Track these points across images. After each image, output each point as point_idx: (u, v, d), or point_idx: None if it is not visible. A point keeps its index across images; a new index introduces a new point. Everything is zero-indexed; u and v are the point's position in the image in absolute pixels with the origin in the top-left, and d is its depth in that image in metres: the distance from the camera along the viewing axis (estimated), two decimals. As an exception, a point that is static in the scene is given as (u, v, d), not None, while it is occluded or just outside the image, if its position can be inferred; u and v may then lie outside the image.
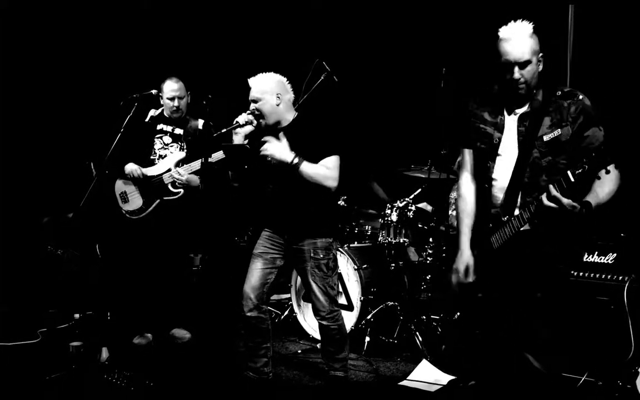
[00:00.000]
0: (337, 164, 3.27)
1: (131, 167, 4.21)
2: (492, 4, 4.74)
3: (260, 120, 3.32)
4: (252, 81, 3.35)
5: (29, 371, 3.79)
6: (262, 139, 3.28)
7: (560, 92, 2.73)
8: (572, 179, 2.49)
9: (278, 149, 3.22)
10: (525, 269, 2.76)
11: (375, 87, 5.62)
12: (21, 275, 5.05)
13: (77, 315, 4.27)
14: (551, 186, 2.55)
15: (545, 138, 2.69)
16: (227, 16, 5.90)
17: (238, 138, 3.32)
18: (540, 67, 2.72)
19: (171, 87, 4.23)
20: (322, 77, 4.02)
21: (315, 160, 3.23)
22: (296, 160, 3.18)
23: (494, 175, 2.83)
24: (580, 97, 2.71)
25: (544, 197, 2.57)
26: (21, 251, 5.16)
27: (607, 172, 2.48)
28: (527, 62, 2.64)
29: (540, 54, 2.70)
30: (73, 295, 4.76)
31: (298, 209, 3.33)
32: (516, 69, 2.65)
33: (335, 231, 3.51)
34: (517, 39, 2.64)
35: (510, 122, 2.80)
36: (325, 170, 3.23)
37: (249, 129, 3.32)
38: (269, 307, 5.11)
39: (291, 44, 5.60)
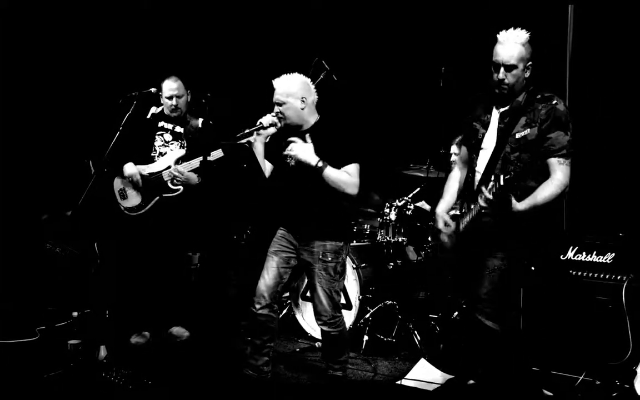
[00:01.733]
0: (357, 172, 3.26)
1: (131, 171, 4.20)
2: (491, 3, 4.74)
3: (283, 122, 3.29)
4: (277, 83, 3.31)
5: (27, 369, 3.78)
6: (289, 139, 3.27)
7: (540, 96, 2.96)
8: (502, 183, 2.71)
9: (304, 150, 3.20)
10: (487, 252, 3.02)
11: (374, 86, 5.61)
12: (20, 272, 5.05)
13: (75, 313, 4.26)
14: (484, 188, 2.82)
15: (517, 135, 2.95)
16: (227, 15, 5.89)
17: (260, 139, 3.31)
18: (527, 74, 2.96)
19: (169, 86, 4.23)
20: (322, 76, 4.03)
21: (336, 166, 3.22)
22: (320, 164, 3.16)
23: (476, 167, 3.09)
24: (554, 102, 2.92)
25: (480, 199, 2.86)
26: (20, 249, 5.15)
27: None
28: (513, 66, 2.91)
29: (529, 63, 2.94)
30: (71, 293, 4.76)
31: (310, 210, 3.31)
32: (502, 69, 2.92)
33: (347, 236, 3.47)
34: (509, 44, 2.90)
35: (494, 119, 3.05)
36: (347, 177, 3.22)
37: (272, 131, 3.30)
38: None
39: (291, 43, 5.59)
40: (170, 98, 4.23)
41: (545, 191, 2.88)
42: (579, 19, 4.48)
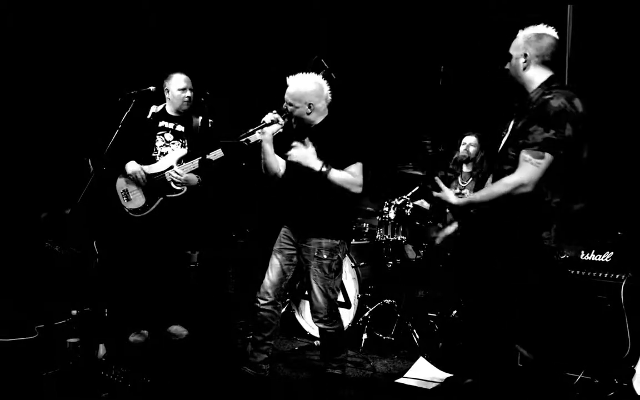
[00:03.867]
0: (361, 171, 3.29)
1: (133, 168, 4.20)
2: (491, 3, 4.74)
3: (288, 120, 3.34)
4: (290, 81, 3.35)
5: (26, 367, 3.78)
6: (292, 144, 3.29)
7: (547, 92, 2.80)
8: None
9: (305, 156, 3.23)
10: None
11: (374, 85, 5.61)
12: (19, 271, 5.04)
13: (74, 312, 4.25)
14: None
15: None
16: (227, 14, 5.89)
17: (266, 138, 3.34)
18: (524, 65, 2.85)
19: (181, 79, 4.24)
20: (321, 75, 4.02)
21: (339, 166, 3.24)
22: (324, 169, 3.19)
23: None
24: (549, 96, 2.73)
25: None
26: (19, 247, 5.15)
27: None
28: (509, 55, 2.92)
29: (526, 55, 2.84)
30: (70, 291, 4.75)
31: (308, 207, 3.34)
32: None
33: (345, 234, 3.47)
34: (517, 36, 2.93)
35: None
36: (351, 177, 3.25)
37: (275, 127, 3.34)
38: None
39: (290, 42, 5.59)
40: (184, 90, 4.23)
41: (489, 189, 2.77)
42: (578, 18, 4.49)
